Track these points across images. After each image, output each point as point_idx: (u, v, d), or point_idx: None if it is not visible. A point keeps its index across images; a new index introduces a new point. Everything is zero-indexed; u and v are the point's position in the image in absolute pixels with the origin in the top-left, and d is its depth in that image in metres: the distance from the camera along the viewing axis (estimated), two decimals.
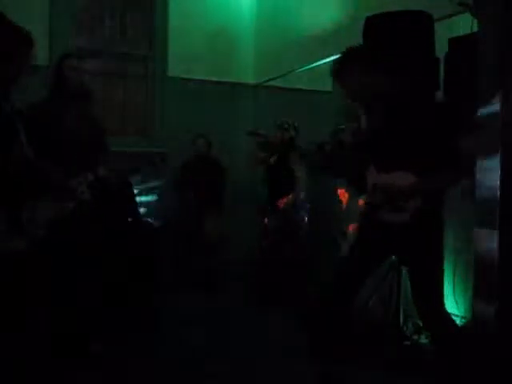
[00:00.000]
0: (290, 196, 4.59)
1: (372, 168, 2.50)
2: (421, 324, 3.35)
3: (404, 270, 3.24)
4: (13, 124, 2.02)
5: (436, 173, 2.33)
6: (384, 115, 2.49)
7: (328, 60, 4.83)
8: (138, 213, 4.45)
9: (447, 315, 2.50)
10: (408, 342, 3.28)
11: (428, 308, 2.43)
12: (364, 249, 2.56)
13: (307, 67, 5.11)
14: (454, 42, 3.13)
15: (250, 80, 6.00)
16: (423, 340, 3.29)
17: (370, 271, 2.63)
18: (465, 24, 3.13)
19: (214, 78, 5.76)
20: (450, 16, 3.27)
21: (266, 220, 4.71)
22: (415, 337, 3.31)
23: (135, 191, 4.42)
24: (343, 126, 4.49)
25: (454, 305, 3.33)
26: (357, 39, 3.28)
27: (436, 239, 2.43)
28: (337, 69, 2.56)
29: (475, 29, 2.94)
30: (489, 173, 2.69)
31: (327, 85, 6.24)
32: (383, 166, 2.45)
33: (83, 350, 2.98)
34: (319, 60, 4.83)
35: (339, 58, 2.57)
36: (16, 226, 1.93)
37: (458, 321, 3.16)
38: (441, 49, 3.08)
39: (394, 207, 2.40)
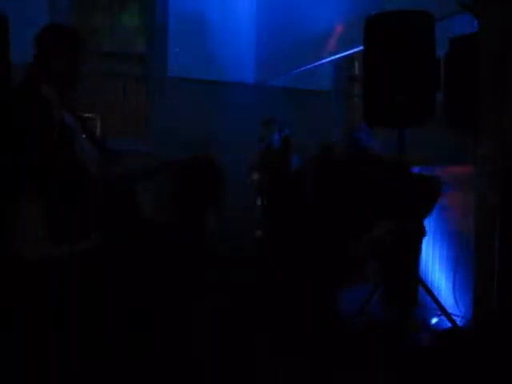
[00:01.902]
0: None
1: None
2: (422, 324, 3.36)
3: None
4: (67, 131, 1.99)
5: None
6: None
7: (328, 60, 4.87)
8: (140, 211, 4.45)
9: None
10: (408, 342, 3.28)
11: None
12: None
13: (307, 67, 5.11)
14: (454, 42, 3.14)
15: (250, 80, 6.00)
16: (423, 340, 3.29)
17: None
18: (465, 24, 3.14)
19: (214, 78, 5.76)
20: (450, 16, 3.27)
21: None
22: (415, 337, 3.31)
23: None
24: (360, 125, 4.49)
25: (455, 305, 3.33)
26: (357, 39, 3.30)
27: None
28: None
29: (475, 29, 2.95)
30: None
31: (327, 85, 6.28)
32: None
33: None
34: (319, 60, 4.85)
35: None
36: (59, 231, 1.90)
37: (457, 321, 3.16)
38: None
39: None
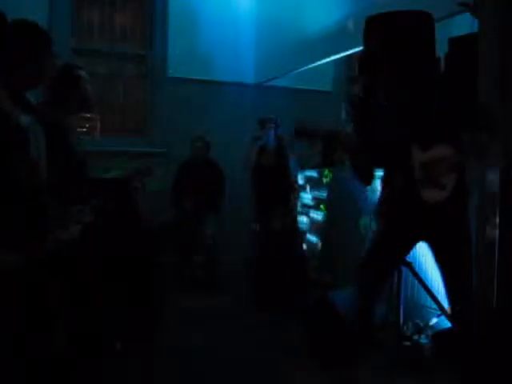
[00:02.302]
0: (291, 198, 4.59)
1: (415, 148, 2.48)
2: (422, 324, 3.35)
3: (404, 269, 3.23)
4: (20, 135, 1.93)
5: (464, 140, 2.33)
6: (411, 93, 2.48)
7: (328, 60, 4.87)
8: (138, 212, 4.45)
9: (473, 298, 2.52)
10: (408, 342, 3.28)
11: (459, 289, 2.43)
12: (398, 230, 2.57)
13: (307, 67, 5.11)
14: (454, 42, 3.13)
15: (250, 80, 6.00)
16: (423, 340, 3.28)
17: (404, 252, 2.66)
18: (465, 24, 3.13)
19: (214, 78, 5.76)
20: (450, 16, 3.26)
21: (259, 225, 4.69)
22: (415, 337, 3.31)
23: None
24: None
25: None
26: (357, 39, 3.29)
27: (467, 217, 2.43)
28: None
29: (475, 29, 2.94)
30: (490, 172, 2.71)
31: (327, 85, 6.28)
32: (422, 144, 2.44)
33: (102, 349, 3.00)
34: (319, 60, 4.84)
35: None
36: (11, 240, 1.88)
37: None
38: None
39: (436, 184, 2.40)
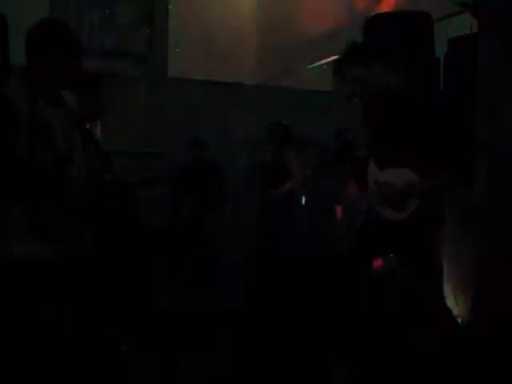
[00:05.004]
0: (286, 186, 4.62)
1: (373, 164, 2.48)
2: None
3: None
4: (39, 124, 1.94)
5: (438, 173, 2.30)
6: (386, 111, 2.47)
7: (328, 60, 4.87)
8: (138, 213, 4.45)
9: (448, 312, 2.51)
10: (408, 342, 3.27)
11: (428, 307, 2.42)
12: (364, 245, 2.58)
13: (307, 67, 5.12)
14: (454, 42, 3.14)
15: (250, 80, 6.00)
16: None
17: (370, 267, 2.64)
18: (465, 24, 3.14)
19: (214, 78, 5.76)
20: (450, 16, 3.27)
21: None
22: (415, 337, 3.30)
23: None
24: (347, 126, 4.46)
25: (454, 305, 3.33)
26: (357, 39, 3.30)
27: (433, 239, 2.40)
28: (340, 64, 2.55)
29: (475, 29, 2.95)
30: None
31: (327, 85, 6.29)
32: (384, 162, 2.43)
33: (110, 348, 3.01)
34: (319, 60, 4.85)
35: (342, 53, 2.55)
36: (38, 230, 1.87)
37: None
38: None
39: (393, 205, 2.38)
